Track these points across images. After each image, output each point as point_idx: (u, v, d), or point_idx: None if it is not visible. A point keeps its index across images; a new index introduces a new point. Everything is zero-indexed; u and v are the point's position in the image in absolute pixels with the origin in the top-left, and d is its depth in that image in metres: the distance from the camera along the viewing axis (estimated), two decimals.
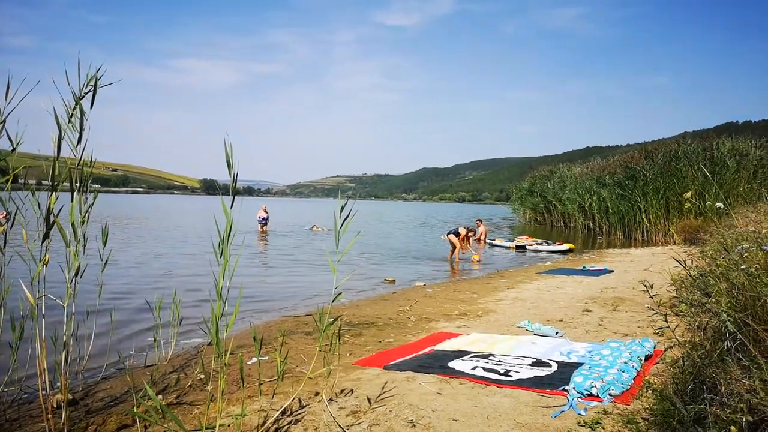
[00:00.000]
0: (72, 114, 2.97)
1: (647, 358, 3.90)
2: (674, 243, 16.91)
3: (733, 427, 1.81)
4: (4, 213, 2.97)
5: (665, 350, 3.49)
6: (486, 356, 4.23)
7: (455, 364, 3.99)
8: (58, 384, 3.39)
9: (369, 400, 3.27)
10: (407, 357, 4.33)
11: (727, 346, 2.04)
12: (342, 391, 3.48)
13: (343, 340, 5.01)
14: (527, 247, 17.21)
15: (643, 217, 20.18)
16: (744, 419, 1.78)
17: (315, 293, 8.32)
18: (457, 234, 13.44)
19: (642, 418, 2.71)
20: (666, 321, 2.59)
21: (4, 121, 2.55)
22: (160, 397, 3.56)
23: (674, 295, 5.05)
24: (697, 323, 2.55)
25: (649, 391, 3.04)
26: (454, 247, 13.57)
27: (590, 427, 2.73)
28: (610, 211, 22.46)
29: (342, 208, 2.90)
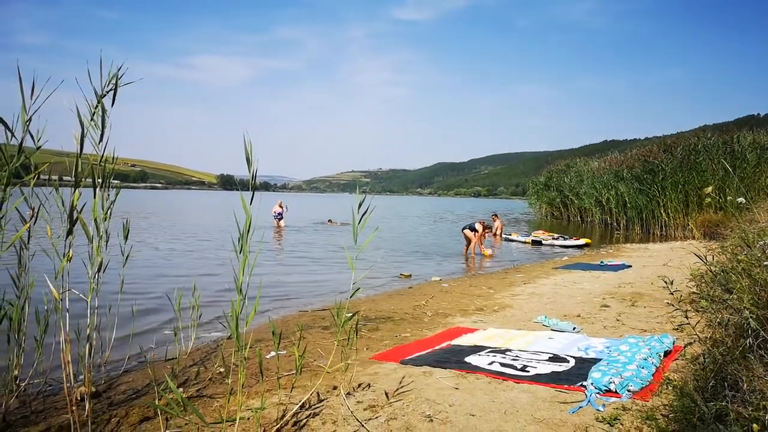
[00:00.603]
0: (94, 112, 3.02)
1: (666, 354, 3.86)
2: (693, 238, 16.70)
3: (755, 425, 1.79)
4: (30, 212, 3.03)
5: (685, 346, 3.46)
6: (503, 351, 4.23)
7: (472, 359, 4.00)
8: (82, 377, 3.45)
9: (386, 394, 3.29)
10: (424, 352, 4.35)
11: (749, 343, 2.02)
12: (359, 385, 3.51)
13: (360, 335, 5.04)
14: (543, 242, 17.10)
15: (662, 211, 19.93)
16: (767, 417, 1.77)
17: (332, 288, 8.36)
18: (472, 229, 13.40)
19: (661, 414, 2.69)
20: (686, 317, 2.57)
21: (29, 120, 2.59)
22: (181, 390, 3.61)
23: (694, 290, 4.99)
24: (718, 320, 2.52)
25: (669, 388, 3.02)
26: (469, 241, 13.54)
27: (609, 423, 2.72)
28: (628, 205, 22.21)
29: (360, 204, 2.91)
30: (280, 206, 21.38)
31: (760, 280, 2.18)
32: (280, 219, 21.16)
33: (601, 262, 11.07)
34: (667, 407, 2.77)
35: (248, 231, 2.49)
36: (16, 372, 3.47)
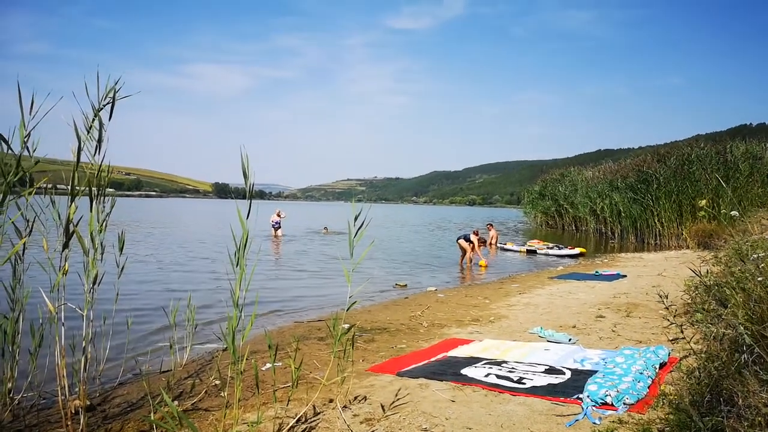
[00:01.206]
0: (91, 126, 3.02)
1: (662, 365, 3.88)
2: (687, 247, 16.76)
3: None
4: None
5: (680, 359, 3.47)
6: (499, 363, 4.23)
7: (468, 371, 4.00)
8: (76, 389, 3.43)
9: (382, 407, 3.29)
10: (420, 363, 4.34)
11: (744, 359, 2.03)
12: (356, 398, 3.50)
13: (356, 346, 5.03)
14: (538, 251, 17.14)
15: (656, 220, 20.03)
16: None
17: (328, 299, 8.35)
18: (467, 239, 13.43)
19: (657, 428, 2.70)
20: (681, 332, 2.58)
21: (28, 135, 2.60)
22: (176, 403, 3.59)
23: (689, 302, 5.01)
24: (713, 334, 2.54)
25: (665, 402, 3.03)
26: (464, 251, 13.55)
27: None
28: (623, 214, 22.31)
29: (356, 217, 2.92)
30: (279, 215, 21.13)
31: (755, 295, 2.20)
32: (278, 228, 20.95)
33: (596, 271, 11.10)
34: (662, 421, 2.78)
35: (245, 246, 2.49)
36: (9, 385, 3.45)
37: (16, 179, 2.55)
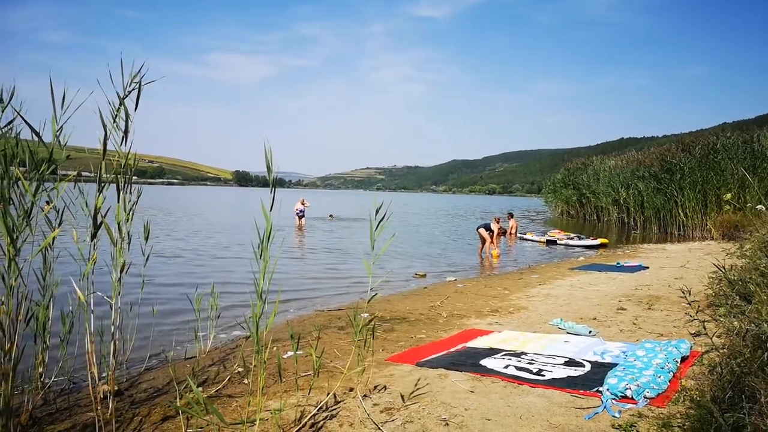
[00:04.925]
0: (116, 114, 3.07)
1: (683, 359, 3.85)
2: (712, 238, 16.50)
3: None
4: (47, 206, 3.09)
5: (702, 354, 3.45)
6: (518, 355, 4.24)
7: (487, 362, 4.02)
8: (104, 375, 3.53)
9: (402, 397, 3.33)
10: (439, 354, 4.37)
11: (767, 357, 2.02)
12: (375, 387, 3.54)
13: (376, 336, 5.07)
14: (558, 241, 17.02)
15: (680, 211, 19.71)
16: None
17: (347, 288, 8.42)
18: (488, 228, 13.38)
19: (678, 424, 2.69)
20: (704, 327, 2.57)
21: (60, 129, 2.66)
22: (201, 389, 3.67)
23: (712, 295, 4.95)
24: (736, 330, 2.52)
25: (686, 396, 3.01)
26: (484, 241, 13.51)
27: (624, 430, 2.73)
28: (646, 204, 21.98)
29: (377, 210, 2.94)
30: (303, 203, 21.21)
31: None
32: (302, 216, 21.03)
33: (618, 263, 10.99)
34: (683, 416, 2.77)
35: (269, 237, 2.53)
36: (40, 370, 3.56)
37: (48, 171, 2.62)
